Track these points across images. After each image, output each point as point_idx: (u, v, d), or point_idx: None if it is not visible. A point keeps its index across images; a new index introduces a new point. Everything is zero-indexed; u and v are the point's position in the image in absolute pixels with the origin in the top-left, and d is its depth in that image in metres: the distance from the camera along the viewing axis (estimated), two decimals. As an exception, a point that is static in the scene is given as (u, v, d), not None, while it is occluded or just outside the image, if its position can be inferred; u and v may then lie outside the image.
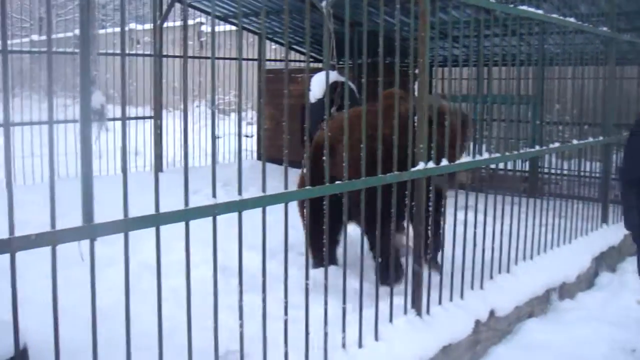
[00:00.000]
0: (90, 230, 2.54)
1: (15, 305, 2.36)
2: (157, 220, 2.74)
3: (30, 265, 3.93)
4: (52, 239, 2.42)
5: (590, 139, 7.11)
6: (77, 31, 10.15)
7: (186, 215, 2.84)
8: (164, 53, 11.47)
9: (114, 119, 10.35)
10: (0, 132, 2.44)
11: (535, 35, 6.70)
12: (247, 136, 13.41)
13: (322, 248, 3.98)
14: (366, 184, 3.84)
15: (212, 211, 2.94)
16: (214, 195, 2.99)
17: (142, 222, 2.69)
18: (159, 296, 2.82)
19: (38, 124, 9.26)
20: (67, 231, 2.47)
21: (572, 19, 6.26)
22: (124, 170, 2.69)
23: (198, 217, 2.89)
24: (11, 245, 2.28)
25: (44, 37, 13.19)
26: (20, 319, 2.43)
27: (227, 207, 3.02)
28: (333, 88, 6.61)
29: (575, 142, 6.75)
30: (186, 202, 2.86)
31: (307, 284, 3.61)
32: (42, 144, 8.57)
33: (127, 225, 2.63)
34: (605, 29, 7.04)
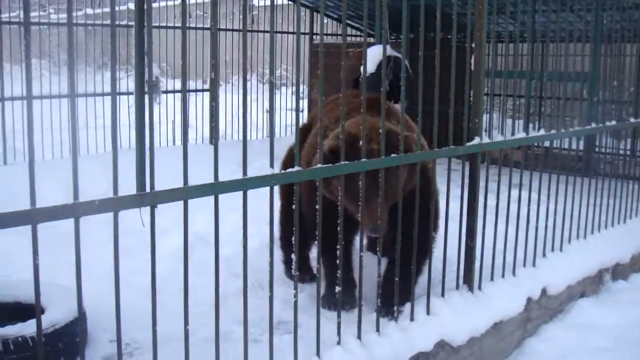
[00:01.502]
0: (151, 197, 2.58)
1: (78, 270, 2.41)
2: (216, 188, 2.77)
3: (84, 235, 4.01)
4: (114, 205, 2.46)
5: (648, 118, 6.95)
6: (131, 4, 10.24)
7: (244, 184, 2.86)
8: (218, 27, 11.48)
9: (166, 92, 10.50)
10: (59, 103, 2.48)
11: (592, 10, 6.56)
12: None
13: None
14: (421, 157, 3.81)
15: (270, 181, 2.96)
16: (272, 166, 3.01)
17: (202, 190, 2.72)
18: (217, 263, 2.85)
19: (93, 95, 9.36)
20: (129, 198, 2.52)
21: (632, -6, 6.11)
22: (184, 139, 2.72)
23: (256, 187, 2.90)
24: (76, 211, 2.33)
25: (98, 11, 13.34)
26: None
27: (285, 178, 3.05)
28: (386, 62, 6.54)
29: (632, 120, 6.60)
30: (244, 172, 2.88)
31: (361, 257, 3.62)
32: (96, 116, 8.70)
33: (187, 193, 2.66)
34: (666, 4, 6.84)
